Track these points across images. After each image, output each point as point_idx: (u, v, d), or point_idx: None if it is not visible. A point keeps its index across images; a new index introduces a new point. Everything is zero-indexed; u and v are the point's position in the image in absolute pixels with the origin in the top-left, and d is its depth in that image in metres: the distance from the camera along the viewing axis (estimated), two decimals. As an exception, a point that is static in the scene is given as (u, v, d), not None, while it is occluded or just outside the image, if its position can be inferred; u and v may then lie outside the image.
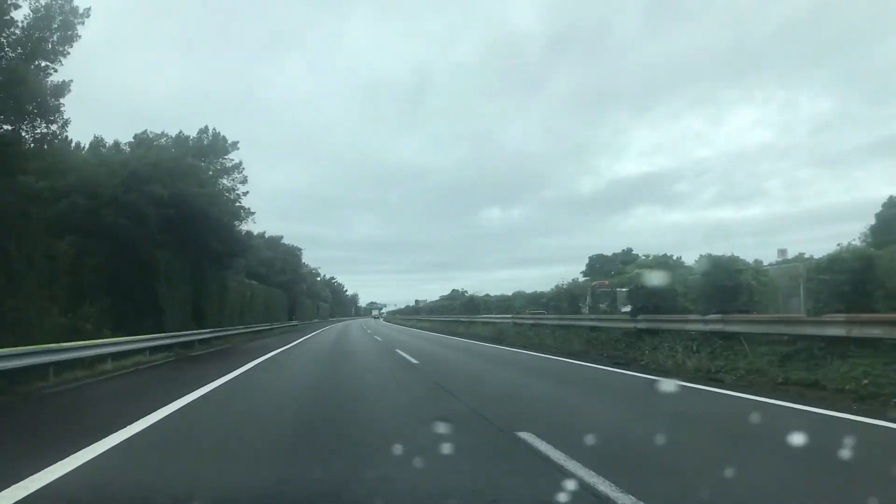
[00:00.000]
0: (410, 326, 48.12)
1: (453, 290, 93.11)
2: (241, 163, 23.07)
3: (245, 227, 23.88)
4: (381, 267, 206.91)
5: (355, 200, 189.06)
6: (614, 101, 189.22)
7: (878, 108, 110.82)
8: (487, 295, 28.67)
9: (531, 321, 20.30)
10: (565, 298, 17.91)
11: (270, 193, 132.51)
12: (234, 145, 23.01)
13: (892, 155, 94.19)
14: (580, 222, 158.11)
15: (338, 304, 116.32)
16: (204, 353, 18.71)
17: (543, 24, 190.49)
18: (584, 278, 57.54)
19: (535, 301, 23.32)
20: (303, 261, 58.39)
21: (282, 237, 48.20)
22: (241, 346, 23.26)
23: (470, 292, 75.45)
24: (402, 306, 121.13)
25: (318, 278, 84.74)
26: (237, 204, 22.32)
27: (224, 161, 22.59)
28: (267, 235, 45.06)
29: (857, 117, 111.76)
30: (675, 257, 63.39)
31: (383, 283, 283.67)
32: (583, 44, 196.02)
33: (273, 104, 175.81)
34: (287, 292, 46.83)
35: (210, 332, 21.53)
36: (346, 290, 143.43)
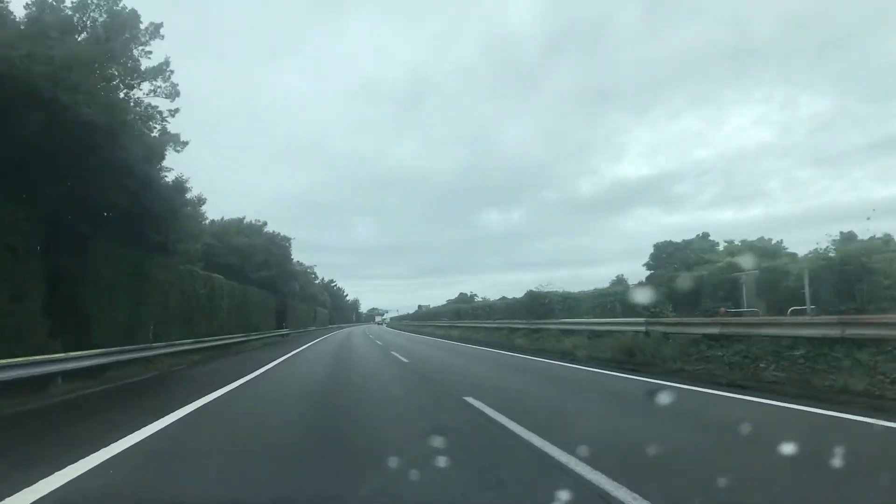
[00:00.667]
0: (428, 335, 37.81)
1: (461, 294, 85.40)
2: (167, 62, 13.07)
3: (165, 162, 13.43)
4: (379, 272, 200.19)
5: (353, 205, 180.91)
6: (614, 100, 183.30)
7: (878, 106, 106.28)
8: (576, 290, 18.61)
9: (716, 329, 10.37)
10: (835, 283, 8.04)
11: (267, 198, 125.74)
12: (156, 31, 12.91)
13: (892, 154, 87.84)
14: (580, 225, 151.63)
15: (337, 309, 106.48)
16: (48, 406, 8.82)
17: (541, 22, 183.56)
18: (648, 271, 47.52)
19: (677, 294, 13.63)
20: (294, 259, 48.41)
21: (265, 223, 37.82)
22: (174, 375, 13.41)
23: (480, 296, 66.17)
24: (403, 312, 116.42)
25: (316, 281, 75.11)
26: (157, 125, 12.55)
27: (136, 55, 12.61)
28: (247, 221, 35.30)
29: (857, 116, 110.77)
30: (773, 241, 52.18)
31: (382, 289, 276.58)
32: (581, 43, 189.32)
33: (269, 108, 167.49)
34: (274, 293, 36.81)
35: (103, 355, 11.70)
36: (347, 295, 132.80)
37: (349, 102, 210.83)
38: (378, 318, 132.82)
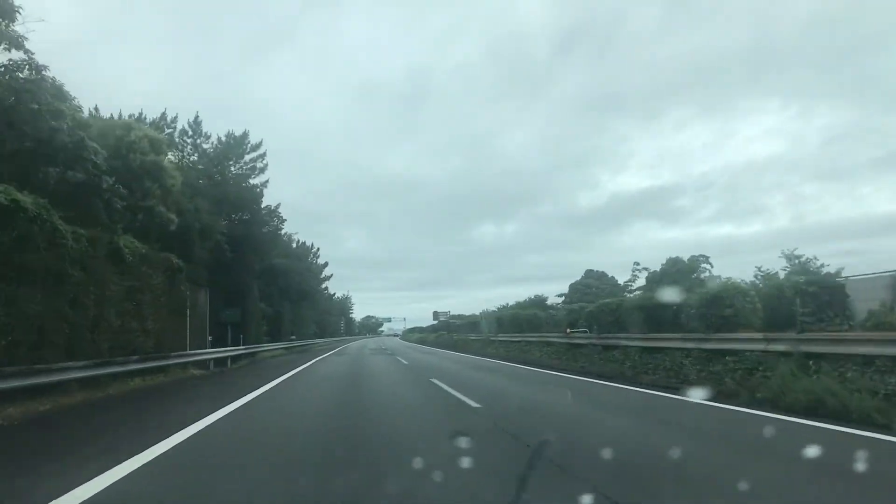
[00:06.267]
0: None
1: (588, 270, 52.37)
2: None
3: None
4: (369, 285, 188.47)
5: (344, 214, 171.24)
6: (621, 107, 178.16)
7: (890, 118, 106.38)
8: None
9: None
10: None
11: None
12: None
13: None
14: (576, 239, 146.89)
15: (312, 301, 55.59)
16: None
17: (552, 22, 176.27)
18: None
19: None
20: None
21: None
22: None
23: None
24: (396, 323, 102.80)
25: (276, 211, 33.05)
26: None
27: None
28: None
29: (868, 129, 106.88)
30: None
31: (372, 302, 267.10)
32: (593, 44, 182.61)
33: (260, 108, 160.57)
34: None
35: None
36: (330, 283, 74.30)
37: (344, 104, 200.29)
38: (387, 329, 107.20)
